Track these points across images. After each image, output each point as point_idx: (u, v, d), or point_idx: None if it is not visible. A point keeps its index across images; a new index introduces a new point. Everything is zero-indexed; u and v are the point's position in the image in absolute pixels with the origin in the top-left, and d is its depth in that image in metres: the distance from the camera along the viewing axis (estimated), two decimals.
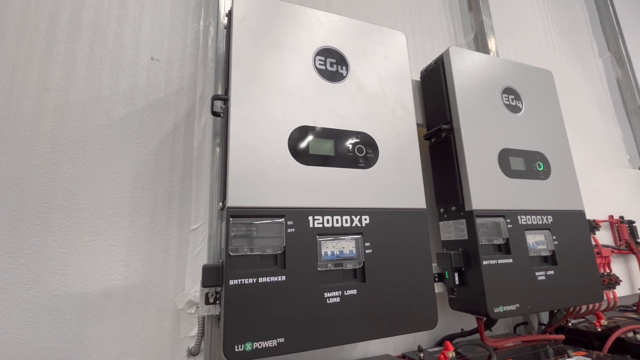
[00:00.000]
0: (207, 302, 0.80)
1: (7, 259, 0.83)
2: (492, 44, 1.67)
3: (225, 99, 0.83)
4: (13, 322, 0.80)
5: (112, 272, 0.91)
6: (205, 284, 0.74)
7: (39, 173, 0.89)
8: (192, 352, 0.92)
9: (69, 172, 0.92)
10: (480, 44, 1.69)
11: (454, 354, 0.99)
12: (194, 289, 0.95)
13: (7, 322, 0.80)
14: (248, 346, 0.67)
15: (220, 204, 0.87)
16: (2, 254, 0.83)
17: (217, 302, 0.79)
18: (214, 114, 0.92)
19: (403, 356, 1.08)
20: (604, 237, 1.46)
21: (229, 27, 0.88)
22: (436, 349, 1.11)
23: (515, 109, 1.18)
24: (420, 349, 1.04)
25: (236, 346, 0.66)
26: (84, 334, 0.85)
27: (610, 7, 2.39)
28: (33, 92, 0.93)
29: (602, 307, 1.26)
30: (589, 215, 1.39)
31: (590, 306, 1.22)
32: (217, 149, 1.01)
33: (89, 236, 0.90)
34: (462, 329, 1.17)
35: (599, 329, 1.19)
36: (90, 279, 0.88)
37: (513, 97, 1.20)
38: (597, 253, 1.35)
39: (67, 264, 0.87)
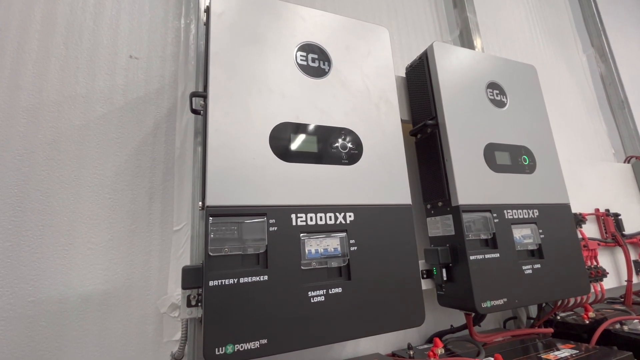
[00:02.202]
0: (189, 305, 0.78)
1: None
2: (477, 40, 1.68)
3: (204, 95, 0.81)
4: None
5: (90, 276, 0.88)
6: (185, 285, 0.72)
7: (12, 175, 0.86)
8: (176, 357, 0.90)
9: (43, 174, 0.89)
10: (465, 41, 1.70)
11: (443, 351, 0.98)
12: (177, 291, 0.93)
13: None
14: (229, 348, 0.65)
15: (200, 203, 0.85)
16: None
17: (199, 304, 0.77)
18: (194, 111, 0.90)
19: (393, 354, 1.07)
20: (590, 230, 1.47)
21: (207, 23, 0.86)
22: (426, 346, 1.10)
23: (500, 104, 1.19)
24: (409, 347, 1.03)
25: (217, 349, 0.64)
26: (60, 341, 0.82)
27: (593, 4, 2.42)
28: (4, 92, 0.89)
29: (590, 300, 1.27)
30: (576, 209, 1.40)
31: (578, 299, 1.23)
32: (199, 148, 0.99)
33: (65, 240, 0.87)
34: (451, 325, 1.17)
35: (587, 322, 1.20)
36: (67, 284, 0.85)
37: (497, 91, 1.20)
38: (584, 246, 1.36)
39: (42, 269, 0.84)
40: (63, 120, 0.94)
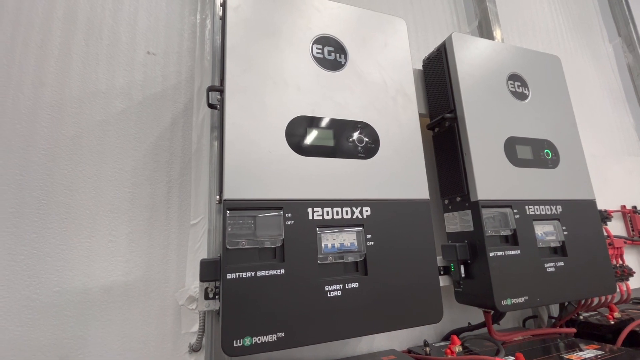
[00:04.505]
0: (206, 297, 0.79)
1: (6, 256, 0.82)
2: (497, 31, 1.63)
3: (220, 89, 0.82)
4: (12, 320, 0.80)
5: (111, 268, 0.90)
6: (203, 278, 0.73)
7: (37, 169, 0.89)
8: (194, 348, 0.92)
9: (67, 168, 0.91)
10: (484, 32, 1.64)
11: (460, 349, 0.97)
12: (195, 284, 0.94)
13: (7, 320, 0.80)
14: (247, 341, 0.65)
15: (217, 197, 0.86)
16: (0, 251, 0.82)
17: (217, 297, 0.78)
18: (210, 106, 0.90)
19: (409, 351, 1.06)
20: (616, 227, 1.42)
21: (223, 17, 0.86)
22: (442, 343, 1.09)
23: (521, 96, 1.15)
24: (426, 344, 1.02)
25: (235, 341, 0.65)
26: (84, 330, 0.85)
27: None
28: (29, 88, 0.92)
29: (615, 300, 1.22)
30: (601, 206, 1.35)
31: (603, 299, 1.19)
32: (216, 143, 1.00)
33: (88, 232, 0.89)
34: (469, 323, 1.14)
35: (612, 322, 1.15)
36: (89, 275, 0.87)
37: (519, 83, 1.16)
38: (609, 244, 1.31)
39: (66, 260, 0.86)
40: (84, 115, 0.96)
